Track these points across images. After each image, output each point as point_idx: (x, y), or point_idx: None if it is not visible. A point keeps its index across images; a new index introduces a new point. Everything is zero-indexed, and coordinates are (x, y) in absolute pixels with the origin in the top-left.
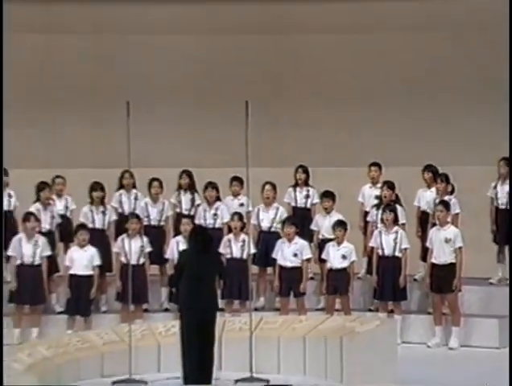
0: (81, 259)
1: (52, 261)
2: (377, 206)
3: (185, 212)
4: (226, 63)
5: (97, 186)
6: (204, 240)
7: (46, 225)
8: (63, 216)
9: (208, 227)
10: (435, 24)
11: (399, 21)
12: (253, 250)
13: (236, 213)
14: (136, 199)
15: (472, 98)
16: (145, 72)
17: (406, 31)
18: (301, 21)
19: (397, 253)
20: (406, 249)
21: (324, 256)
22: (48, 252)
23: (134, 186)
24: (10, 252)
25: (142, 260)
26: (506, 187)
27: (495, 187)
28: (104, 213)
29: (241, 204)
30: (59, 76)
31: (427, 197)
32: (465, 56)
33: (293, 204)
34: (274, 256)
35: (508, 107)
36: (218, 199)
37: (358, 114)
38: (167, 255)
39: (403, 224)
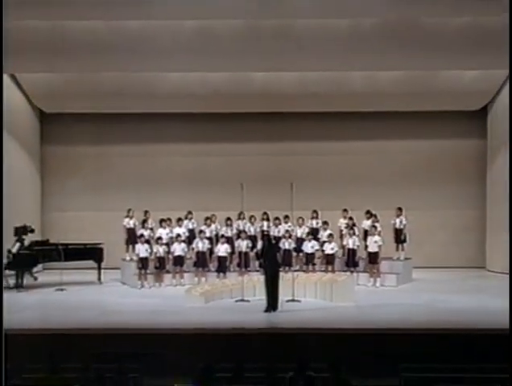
0: (221, 249)
1: (211, 250)
2: (346, 227)
3: (265, 229)
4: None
5: (228, 220)
6: (269, 240)
7: (208, 235)
8: (216, 233)
9: (275, 236)
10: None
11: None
12: (294, 246)
13: (287, 230)
14: (245, 223)
15: (394, 180)
16: None
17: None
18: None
19: (355, 247)
20: (358, 245)
21: (323, 248)
22: (208, 246)
23: (244, 218)
24: (193, 246)
25: (247, 250)
26: (399, 219)
27: (394, 219)
28: (231, 230)
29: (289, 226)
30: None
31: (367, 223)
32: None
33: (310, 226)
34: (303, 248)
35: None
36: (279, 224)
37: (336, 192)
38: (257, 247)
39: (358, 235)
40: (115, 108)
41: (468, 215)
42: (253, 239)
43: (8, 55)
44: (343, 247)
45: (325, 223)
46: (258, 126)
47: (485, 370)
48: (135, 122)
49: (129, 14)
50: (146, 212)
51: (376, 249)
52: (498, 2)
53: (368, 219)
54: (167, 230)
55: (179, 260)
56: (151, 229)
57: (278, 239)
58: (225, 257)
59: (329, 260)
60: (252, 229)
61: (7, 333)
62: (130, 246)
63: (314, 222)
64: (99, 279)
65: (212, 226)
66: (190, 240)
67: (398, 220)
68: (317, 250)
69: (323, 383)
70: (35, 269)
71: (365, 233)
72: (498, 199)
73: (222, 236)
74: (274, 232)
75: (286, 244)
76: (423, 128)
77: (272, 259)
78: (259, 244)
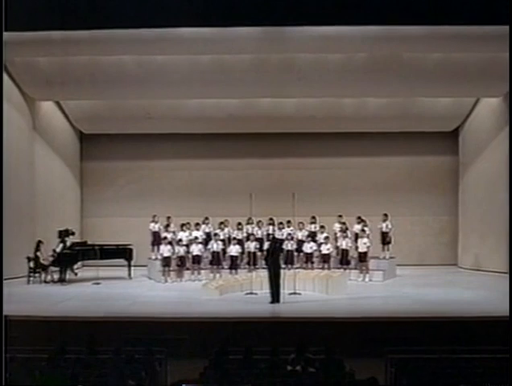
0: (233, 249)
1: (224, 250)
2: (340, 231)
3: (270, 233)
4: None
5: (239, 224)
6: (275, 242)
7: (222, 237)
8: (229, 235)
9: (279, 238)
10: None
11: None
12: (295, 246)
13: (289, 233)
14: (254, 227)
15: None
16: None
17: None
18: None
19: (347, 248)
20: (350, 246)
21: (321, 249)
22: (222, 247)
23: (252, 223)
24: (209, 246)
25: (255, 250)
26: (385, 224)
27: (381, 224)
28: (242, 233)
29: (291, 230)
30: None
31: (358, 227)
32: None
33: (309, 230)
34: (303, 249)
35: None
36: (283, 228)
37: (331, 200)
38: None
39: (350, 237)
40: (143, 130)
41: (443, 220)
42: (260, 241)
43: (54, 86)
44: (337, 247)
45: (322, 227)
46: (265, 145)
47: (459, 351)
48: (160, 141)
49: (154, 50)
50: (168, 218)
51: (365, 249)
52: (467, 41)
53: (358, 223)
54: (187, 233)
55: (197, 259)
56: (173, 232)
57: (281, 241)
58: (236, 256)
59: (325, 259)
60: (259, 232)
61: (53, 320)
62: (155, 247)
63: (312, 226)
64: (129, 275)
65: (226, 230)
66: (206, 241)
67: (384, 225)
68: (315, 250)
69: (319, 364)
70: (75, 266)
71: (356, 236)
72: (468, 207)
73: (234, 238)
74: (278, 234)
75: (289, 245)
76: (404, 146)
77: (276, 258)
78: (266, 245)
